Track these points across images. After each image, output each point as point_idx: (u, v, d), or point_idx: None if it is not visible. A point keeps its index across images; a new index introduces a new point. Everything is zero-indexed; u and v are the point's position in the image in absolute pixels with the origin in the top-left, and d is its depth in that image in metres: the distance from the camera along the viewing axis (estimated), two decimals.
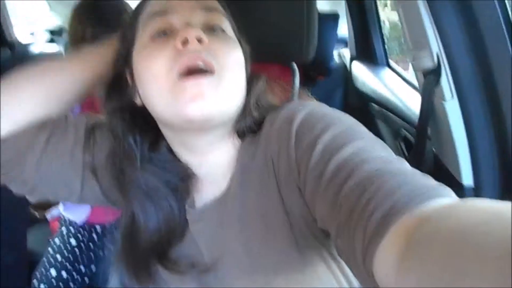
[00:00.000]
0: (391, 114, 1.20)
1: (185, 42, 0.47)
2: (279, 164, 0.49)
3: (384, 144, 0.46)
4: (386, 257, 0.32)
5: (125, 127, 0.55)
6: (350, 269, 0.40)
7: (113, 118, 0.56)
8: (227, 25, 0.53)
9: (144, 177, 0.55)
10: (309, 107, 0.51)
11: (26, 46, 2.10)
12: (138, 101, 0.54)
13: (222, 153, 0.55)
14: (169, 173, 0.56)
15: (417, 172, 0.39)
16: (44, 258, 1.22)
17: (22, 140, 0.57)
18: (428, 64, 0.79)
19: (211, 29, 0.51)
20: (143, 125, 0.55)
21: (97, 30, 1.06)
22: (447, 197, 0.34)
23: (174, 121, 0.49)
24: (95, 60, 0.60)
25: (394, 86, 1.31)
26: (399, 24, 0.91)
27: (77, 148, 0.58)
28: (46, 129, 0.58)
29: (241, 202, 0.53)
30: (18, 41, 2.03)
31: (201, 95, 0.46)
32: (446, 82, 0.78)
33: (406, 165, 0.41)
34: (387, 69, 1.47)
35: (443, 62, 0.77)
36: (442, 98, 0.80)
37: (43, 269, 1.20)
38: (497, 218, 0.26)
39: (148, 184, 0.55)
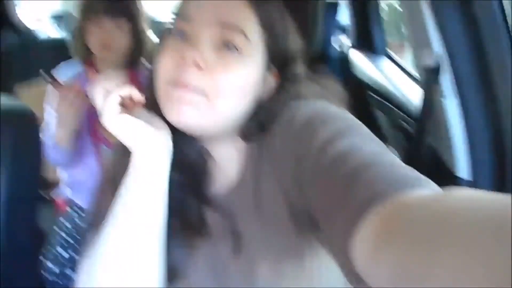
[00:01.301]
0: (389, 104, 1.24)
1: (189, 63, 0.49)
2: (282, 163, 0.52)
3: (380, 141, 0.48)
4: (362, 244, 0.33)
5: None
6: (332, 256, 0.41)
7: None
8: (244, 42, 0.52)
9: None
10: (311, 108, 0.53)
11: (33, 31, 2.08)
12: None
13: (229, 149, 0.57)
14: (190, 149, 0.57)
15: (403, 164, 0.41)
16: (52, 237, 1.24)
17: None
18: (430, 62, 0.82)
19: (224, 46, 0.51)
20: None
21: None
22: (427, 188, 0.35)
23: None
24: None
25: (392, 75, 1.34)
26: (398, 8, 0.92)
27: None
28: None
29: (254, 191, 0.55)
30: (25, 26, 2.01)
31: (185, 113, 0.49)
32: (446, 80, 0.82)
33: (395, 157, 0.43)
34: (385, 58, 1.50)
35: (444, 61, 0.80)
36: (441, 95, 0.83)
37: (50, 247, 1.22)
38: (477, 208, 0.25)
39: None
